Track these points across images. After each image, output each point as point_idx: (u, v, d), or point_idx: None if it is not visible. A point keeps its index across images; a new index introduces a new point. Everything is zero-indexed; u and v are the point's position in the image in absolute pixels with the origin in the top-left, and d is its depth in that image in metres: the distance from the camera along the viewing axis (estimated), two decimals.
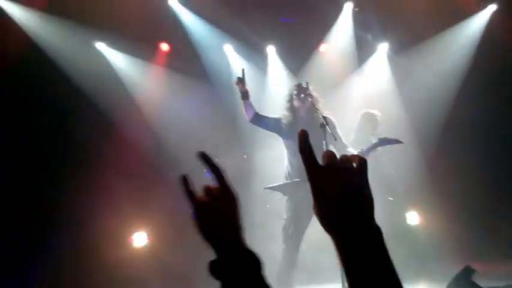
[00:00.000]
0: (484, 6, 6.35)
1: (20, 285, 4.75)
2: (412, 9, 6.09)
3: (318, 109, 4.13)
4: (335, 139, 3.98)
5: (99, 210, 5.12)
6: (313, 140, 3.31)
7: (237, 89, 4.48)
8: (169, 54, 6.47)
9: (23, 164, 5.22)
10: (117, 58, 6.29)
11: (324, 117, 4.04)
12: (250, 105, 4.40)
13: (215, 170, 0.86)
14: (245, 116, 4.46)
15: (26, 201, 5.11)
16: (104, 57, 6.22)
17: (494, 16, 6.28)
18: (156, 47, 6.45)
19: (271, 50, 6.77)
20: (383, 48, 6.74)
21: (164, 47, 6.48)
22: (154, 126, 5.96)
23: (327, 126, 3.97)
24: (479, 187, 5.39)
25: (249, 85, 6.49)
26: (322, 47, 6.91)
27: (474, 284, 3.44)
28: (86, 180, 5.25)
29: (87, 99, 5.72)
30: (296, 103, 4.45)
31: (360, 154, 4.15)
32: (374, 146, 4.15)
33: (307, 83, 4.45)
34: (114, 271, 4.89)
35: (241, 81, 4.29)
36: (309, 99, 4.29)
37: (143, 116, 5.98)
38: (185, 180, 0.89)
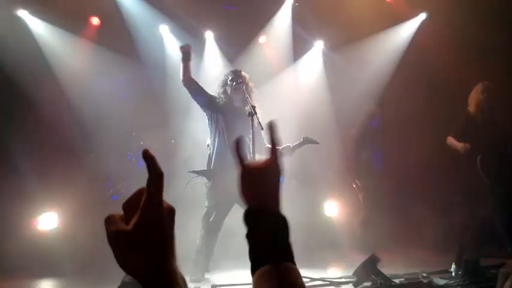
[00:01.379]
0: (416, 14, 6.66)
1: None
2: (349, 10, 6.27)
3: (247, 98, 4.15)
4: (262, 128, 4.01)
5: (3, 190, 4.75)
6: (242, 129, 3.23)
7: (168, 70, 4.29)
8: (99, 29, 6.12)
9: None
10: (40, 28, 5.83)
11: (253, 107, 4.07)
12: (190, 67, 4.33)
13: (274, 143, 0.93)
14: (180, 76, 4.33)
15: None
16: (25, 26, 5.75)
17: (423, 24, 6.62)
18: (85, 20, 6.06)
19: (209, 36, 6.65)
20: (318, 45, 6.87)
21: (94, 21, 6.11)
22: (76, 104, 5.60)
23: (256, 116, 4.01)
24: (392, 180, 5.70)
25: None
26: (262, 38, 6.91)
27: (378, 271, 3.60)
28: None
29: (2, 69, 5.27)
30: (229, 90, 4.42)
31: (287, 149, 4.28)
32: (300, 145, 4.39)
33: (239, 71, 4.45)
34: (19, 256, 4.56)
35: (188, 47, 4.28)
36: (243, 87, 4.27)
37: (64, 92, 5.60)
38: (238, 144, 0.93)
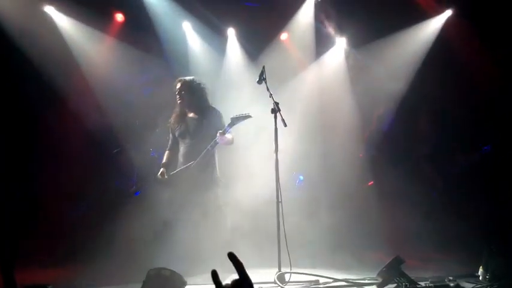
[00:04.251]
0: (442, 11, 6.52)
1: None
2: (372, 6, 6.18)
3: (271, 94, 4.15)
4: (285, 125, 4.01)
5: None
6: (193, 137, 3.07)
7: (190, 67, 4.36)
8: (123, 25, 6.18)
9: None
10: (66, 24, 5.92)
11: (277, 103, 4.10)
12: None
13: (239, 265, 1.04)
14: None
15: None
16: (52, 22, 5.85)
17: (449, 21, 6.47)
18: (110, 17, 6.13)
19: (231, 33, 6.66)
20: (341, 42, 6.79)
21: (119, 17, 6.18)
22: (101, 99, 5.68)
23: (279, 113, 4.04)
24: (418, 179, 5.59)
25: (206, 67, 6.43)
26: (283, 35, 6.88)
27: (403, 273, 3.55)
28: (23, 145, 5.00)
29: (32, 65, 5.38)
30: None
31: (223, 132, 4.36)
32: (229, 126, 4.40)
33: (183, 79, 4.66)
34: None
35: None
36: (266, 83, 4.26)
37: (90, 87, 5.68)
38: (215, 275, 1.04)
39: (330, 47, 6.83)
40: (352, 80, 6.53)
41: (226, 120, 4.46)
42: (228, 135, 4.41)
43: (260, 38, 6.64)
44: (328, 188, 5.39)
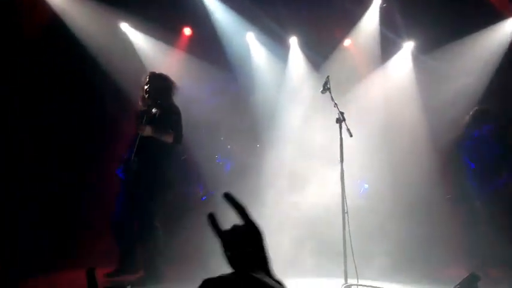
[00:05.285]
0: None
1: None
2: (440, 9, 5.91)
3: (336, 104, 4.11)
4: (351, 135, 3.95)
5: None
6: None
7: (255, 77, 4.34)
8: (191, 38, 6.48)
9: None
10: (139, 39, 6.33)
11: (342, 113, 4.06)
12: None
13: (240, 208, 0.85)
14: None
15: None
16: (127, 37, 6.28)
17: None
18: (178, 31, 6.46)
19: (293, 42, 6.71)
20: (408, 46, 6.56)
21: (187, 31, 6.50)
22: None
23: (344, 122, 4.00)
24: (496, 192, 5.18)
25: (269, 75, 6.53)
26: (347, 42, 6.80)
27: None
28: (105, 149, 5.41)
29: (108, 77, 5.80)
30: None
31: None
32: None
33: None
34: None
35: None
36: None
37: None
38: (212, 219, 0.89)
39: (396, 52, 6.64)
40: (421, 85, 6.26)
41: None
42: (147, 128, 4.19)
43: (323, 45, 6.61)
44: (396, 198, 5.19)
